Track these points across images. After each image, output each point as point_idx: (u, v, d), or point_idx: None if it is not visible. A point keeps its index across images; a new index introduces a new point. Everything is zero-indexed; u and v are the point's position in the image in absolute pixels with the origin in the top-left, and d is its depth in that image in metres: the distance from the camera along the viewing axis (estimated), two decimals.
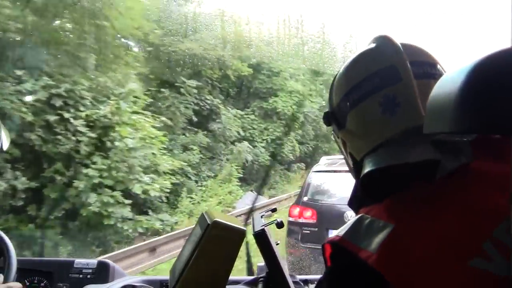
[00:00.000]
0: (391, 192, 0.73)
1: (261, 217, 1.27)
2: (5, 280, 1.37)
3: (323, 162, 5.95)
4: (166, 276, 1.27)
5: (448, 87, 0.52)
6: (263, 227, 1.17)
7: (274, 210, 1.48)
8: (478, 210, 0.64)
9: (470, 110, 0.48)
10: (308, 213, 5.16)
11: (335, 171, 5.38)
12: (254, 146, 15.28)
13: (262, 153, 15.66)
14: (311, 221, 5.10)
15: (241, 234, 1.05)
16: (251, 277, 1.39)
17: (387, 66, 0.78)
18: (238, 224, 1.08)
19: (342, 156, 0.94)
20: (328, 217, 4.97)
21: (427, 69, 0.80)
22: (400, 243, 0.65)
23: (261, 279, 1.31)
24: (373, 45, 0.84)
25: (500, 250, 0.60)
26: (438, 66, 0.82)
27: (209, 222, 1.04)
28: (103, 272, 1.69)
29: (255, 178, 15.19)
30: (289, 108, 16.95)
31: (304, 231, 5.04)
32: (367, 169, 0.76)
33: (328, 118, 0.89)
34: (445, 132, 0.52)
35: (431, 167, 0.70)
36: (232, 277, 1.13)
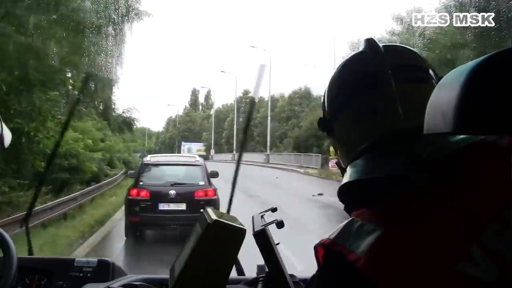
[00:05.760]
0: (369, 201, 0.73)
1: (261, 217, 1.27)
2: (5, 279, 1.38)
3: (148, 157, 9.86)
4: (167, 275, 1.27)
5: (449, 88, 0.52)
6: (263, 226, 1.17)
7: (274, 210, 1.48)
8: (465, 214, 0.64)
9: (471, 111, 0.48)
10: (143, 192, 8.38)
11: (158, 165, 9.28)
12: None
13: None
14: (145, 198, 8.31)
15: (242, 233, 1.05)
16: (251, 277, 1.39)
17: (365, 72, 0.78)
18: (238, 223, 1.08)
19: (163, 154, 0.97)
20: (157, 195, 8.33)
21: (416, 73, 0.79)
22: (389, 246, 0.65)
23: (260, 279, 1.31)
24: (358, 50, 0.84)
25: (487, 254, 0.60)
26: (429, 70, 0.81)
27: (209, 222, 1.04)
28: (103, 271, 1.69)
29: None
30: None
31: (141, 205, 8.26)
32: (344, 181, 0.78)
33: (322, 125, 0.90)
34: (446, 132, 0.52)
35: (401, 180, 0.70)
36: (231, 276, 1.13)
